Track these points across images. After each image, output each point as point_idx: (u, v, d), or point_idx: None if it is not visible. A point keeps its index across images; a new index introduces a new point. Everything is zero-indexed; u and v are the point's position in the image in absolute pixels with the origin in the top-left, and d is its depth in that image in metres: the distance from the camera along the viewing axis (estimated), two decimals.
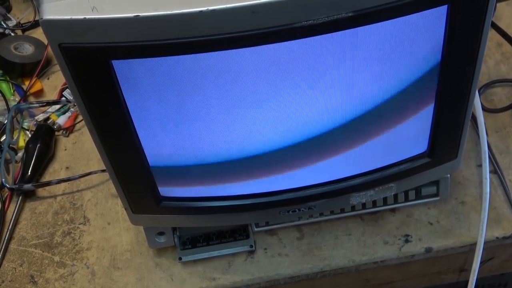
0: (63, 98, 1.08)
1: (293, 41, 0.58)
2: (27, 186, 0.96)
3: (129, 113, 0.65)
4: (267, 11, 0.55)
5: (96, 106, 0.64)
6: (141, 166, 0.72)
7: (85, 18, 0.55)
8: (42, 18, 0.55)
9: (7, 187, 0.96)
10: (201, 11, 0.54)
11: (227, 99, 0.65)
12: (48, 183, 0.98)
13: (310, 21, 0.56)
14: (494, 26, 1.07)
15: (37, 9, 1.18)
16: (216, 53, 0.59)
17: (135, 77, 0.61)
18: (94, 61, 0.59)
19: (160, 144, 0.70)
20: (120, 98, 0.63)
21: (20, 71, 1.10)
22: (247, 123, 0.68)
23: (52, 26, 0.56)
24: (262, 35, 0.56)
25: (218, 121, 0.67)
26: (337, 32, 0.58)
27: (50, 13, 0.55)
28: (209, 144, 0.71)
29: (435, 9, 0.60)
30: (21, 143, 1.03)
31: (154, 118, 0.67)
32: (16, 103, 1.06)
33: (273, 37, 0.57)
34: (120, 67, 0.60)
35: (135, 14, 0.54)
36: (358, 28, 0.59)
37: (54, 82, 1.11)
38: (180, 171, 0.75)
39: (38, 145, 1.00)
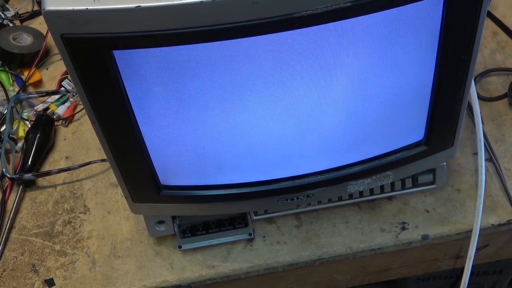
0: (62, 88, 1.08)
1: (292, 31, 0.59)
2: (28, 175, 0.97)
3: (130, 102, 0.66)
4: (267, 1, 0.55)
5: (98, 96, 0.65)
6: (142, 155, 0.73)
7: (87, 9, 0.55)
8: (44, 9, 0.55)
9: (7, 176, 0.97)
10: (202, 2, 0.54)
11: (226, 88, 0.65)
12: (48, 173, 0.98)
13: (309, 11, 0.56)
14: (490, 15, 1.07)
15: (36, 0, 1.19)
16: (216, 43, 0.59)
17: (136, 67, 0.62)
18: (96, 51, 0.59)
19: (160, 133, 0.71)
20: (121, 87, 0.64)
21: (19, 62, 1.10)
22: (246, 113, 0.69)
23: (54, 17, 0.56)
24: (262, 25, 0.57)
25: (217, 110, 0.68)
26: (336, 22, 0.59)
27: (52, 4, 0.55)
28: (208, 133, 0.71)
29: None
30: (21, 133, 1.03)
31: (155, 107, 0.67)
32: (15, 93, 1.07)
33: (273, 27, 0.58)
34: (122, 57, 0.60)
35: (137, 5, 0.55)
36: (357, 18, 0.59)
37: (53, 72, 1.12)
38: (180, 160, 0.75)
39: (38, 135, 1.00)
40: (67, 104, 1.07)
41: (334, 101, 0.70)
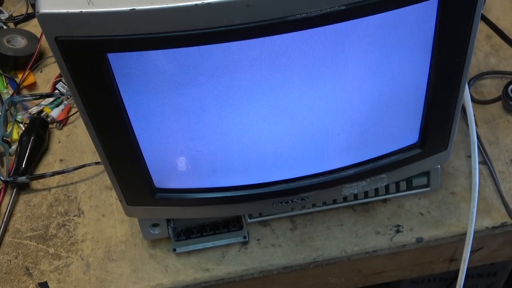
0: (56, 91, 1.08)
1: (287, 34, 0.59)
2: (22, 178, 0.96)
3: (124, 105, 0.66)
4: (261, 4, 0.55)
5: (92, 99, 0.65)
6: (136, 158, 0.73)
7: (81, 11, 0.55)
8: (38, 12, 0.55)
9: (1, 179, 0.96)
10: (196, 5, 0.54)
11: (221, 91, 0.65)
12: (43, 176, 0.98)
13: (303, 14, 0.56)
14: (484, 18, 1.08)
15: (30, 2, 1.18)
16: (210, 46, 0.59)
17: (131, 70, 0.62)
18: (90, 54, 0.59)
19: (154, 136, 0.71)
20: (115, 90, 0.63)
21: (13, 64, 1.10)
22: (240, 116, 0.69)
23: (48, 20, 0.56)
24: (256, 28, 0.57)
25: (211, 113, 0.68)
26: (330, 25, 0.59)
27: (46, 6, 0.55)
28: (202, 136, 0.71)
29: (426, 2, 0.61)
30: (15, 136, 1.03)
31: (149, 110, 0.67)
32: (9, 96, 1.06)
33: (267, 30, 0.58)
34: (116, 60, 0.60)
35: (131, 8, 0.55)
36: (351, 21, 0.60)
37: (47, 75, 1.11)
38: (175, 163, 0.75)
39: (32, 137, 1.00)
40: (61, 107, 1.07)
41: (328, 104, 0.70)
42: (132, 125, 0.68)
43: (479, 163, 0.90)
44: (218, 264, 0.90)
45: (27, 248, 0.93)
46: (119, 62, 0.61)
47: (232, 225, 0.91)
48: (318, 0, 0.56)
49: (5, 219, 0.95)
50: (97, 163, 0.98)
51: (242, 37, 0.59)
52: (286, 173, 0.79)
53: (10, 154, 1.01)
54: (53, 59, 1.12)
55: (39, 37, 1.12)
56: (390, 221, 0.92)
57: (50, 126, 1.05)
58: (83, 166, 0.98)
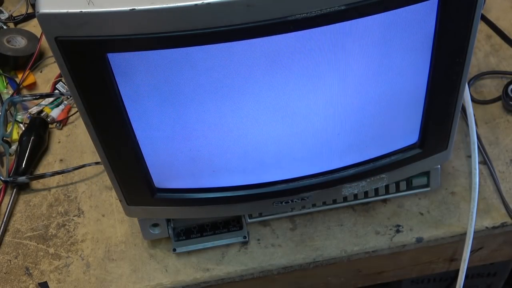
0: (56, 91, 1.08)
1: (287, 34, 0.59)
2: (22, 178, 0.96)
3: (124, 105, 0.66)
4: (261, 4, 0.55)
5: (92, 99, 0.65)
6: (136, 158, 0.73)
7: (81, 11, 0.55)
8: (38, 12, 0.55)
9: (1, 179, 0.96)
10: (196, 5, 0.54)
11: (221, 91, 0.65)
12: (42, 176, 0.98)
13: (303, 14, 0.56)
14: (484, 18, 1.08)
15: (30, 2, 1.18)
16: (210, 46, 0.59)
17: (131, 70, 0.62)
18: (90, 54, 0.59)
19: (154, 135, 0.71)
20: (115, 90, 0.63)
21: (13, 64, 1.10)
22: (240, 116, 0.69)
23: (48, 20, 0.56)
24: (256, 29, 0.57)
25: (212, 113, 0.68)
26: (330, 25, 0.59)
27: (46, 6, 0.55)
28: (202, 136, 0.71)
29: (426, 2, 0.61)
30: (15, 136, 1.03)
31: (149, 110, 0.67)
32: (9, 96, 1.06)
33: (267, 30, 0.58)
34: (116, 60, 0.60)
35: (131, 8, 0.55)
36: (351, 21, 0.60)
37: (47, 75, 1.11)
38: (175, 163, 0.75)
39: (32, 137, 1.00)
40: (61, 106, 1.07)
41: (328, 104, 0.70)
42: (132, 125, 0.68)
43: (479, 163, 0.90)
44: (218, 264, 0.90)
45: (27, 248, 0.93)
46: (119, 62, 0.61)
47: (232, 225, 0.91)
48: (318, 0, 0.56)
49: (5, 219, 0.95)
50: (97, 163, 0.98)
51: (242, 37, 0.59)
52: (286, 173, 0.79)
53: (10, 154, 1.01)
54: (53, 59, 1.12)
55: (39, 37, 1.12)
56: (390, 221, 0.92)
57: (50, 126, 1.05)
58: (83, 166, 0.98)
